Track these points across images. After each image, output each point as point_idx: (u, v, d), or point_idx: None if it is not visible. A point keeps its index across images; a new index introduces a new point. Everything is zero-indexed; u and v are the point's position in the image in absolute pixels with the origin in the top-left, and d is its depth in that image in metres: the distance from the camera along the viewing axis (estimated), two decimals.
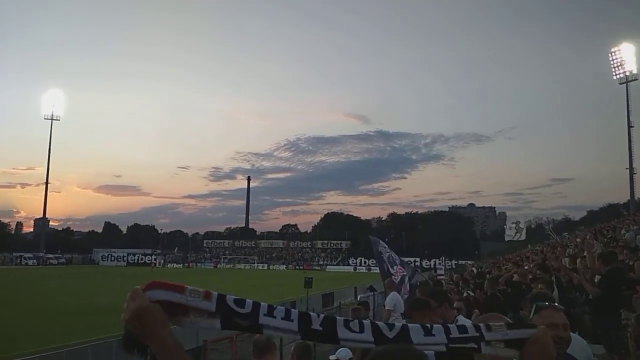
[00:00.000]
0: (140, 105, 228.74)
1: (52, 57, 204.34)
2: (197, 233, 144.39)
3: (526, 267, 12.33)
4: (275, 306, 1.31)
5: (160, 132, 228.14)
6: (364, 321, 1.35)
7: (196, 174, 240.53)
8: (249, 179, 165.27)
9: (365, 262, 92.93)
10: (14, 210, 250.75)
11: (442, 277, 34.14)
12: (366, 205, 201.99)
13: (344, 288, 36.35)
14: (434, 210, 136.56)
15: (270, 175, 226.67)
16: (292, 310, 1.32)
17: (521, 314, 4.42)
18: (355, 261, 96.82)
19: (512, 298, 7.82)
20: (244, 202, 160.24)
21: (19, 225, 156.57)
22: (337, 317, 1.34)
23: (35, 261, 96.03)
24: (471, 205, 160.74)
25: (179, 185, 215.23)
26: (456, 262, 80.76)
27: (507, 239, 76.99)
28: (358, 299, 24.86)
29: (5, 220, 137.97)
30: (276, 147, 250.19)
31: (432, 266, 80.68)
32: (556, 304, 2.74)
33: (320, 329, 1.30)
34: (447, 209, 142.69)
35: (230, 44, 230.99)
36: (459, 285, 15.19)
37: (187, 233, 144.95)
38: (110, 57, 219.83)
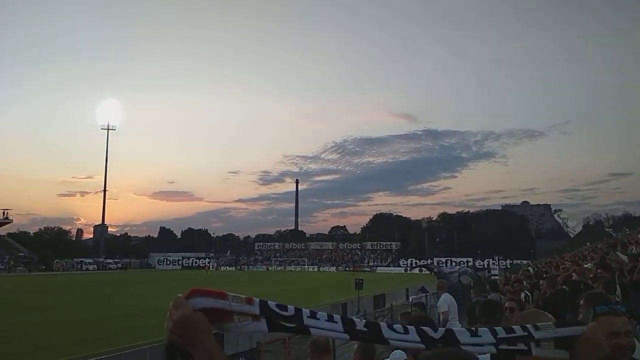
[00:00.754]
0: (190, 113, 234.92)
1: (107, 69, 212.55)
2: (249, 236, 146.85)
3: (586, 265, 11.86)
4: (316, 311, 1.28)
5: (211, 139, 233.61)
6: (407, 326, 1.31)
7: (246, 178, 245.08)
8: (297, 182, 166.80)
9: (415, 263, 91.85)
10: (75, 217, 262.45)
11: (496, 277, 33.33)
12: (416, 205, 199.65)
13: (395, 289, 36.03)
14: (487, 209, 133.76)
15: (318, 178, 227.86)
16: (335, 315, 1.29)
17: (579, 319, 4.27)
18: (405, 262, 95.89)
19: (570, 297, 7.54)
20: (293, 204, 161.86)
21: (80, 232, 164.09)
22: (380, 322, 1.31)
23: (95, 266, 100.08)
24: (525, 203, 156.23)
25: (229, 190, 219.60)
26: (511, 261, 78.66)
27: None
28: (410, 300, 24.60)
29: (67, 228, 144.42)
30: (323, 149, 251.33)
31: (485, 266, 78.95)
32: (617, 307, 2.47)
33: (365, 329, 1.27)
34: (500, 208, 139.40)
35: (274, 47, 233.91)
36: (514, 286, 14.76)
37: (238, 236, 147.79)
38: (161, 68, 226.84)
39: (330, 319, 1.26)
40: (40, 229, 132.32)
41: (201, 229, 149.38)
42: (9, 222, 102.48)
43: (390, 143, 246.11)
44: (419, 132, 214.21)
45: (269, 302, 1.25)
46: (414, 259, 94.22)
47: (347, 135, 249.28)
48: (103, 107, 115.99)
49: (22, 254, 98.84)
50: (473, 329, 1.34)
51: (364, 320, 1.30)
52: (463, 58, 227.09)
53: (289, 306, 1.25)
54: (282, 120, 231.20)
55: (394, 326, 1.30)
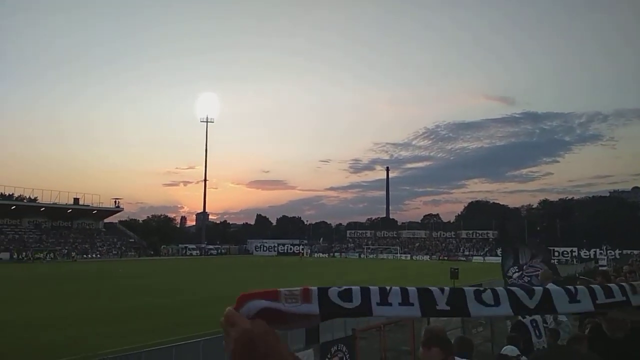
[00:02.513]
0: (283, 104, 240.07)
1: (206, 65, 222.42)
2: (340, 224, 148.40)
3: None
4: (389, 288, 1.12)
5: (302, 128, 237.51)
6: (497, 290, 1.16)
7: (337, 167, 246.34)
8: (387, 170, 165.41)
9: None
10: (179, 206, 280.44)
11: (604, 267, 31.25)
12: (514, 192, 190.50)
13: (493, 279, 34.94)
14: (593, 196, 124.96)
15: (409, 165, 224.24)
16: (410, 289, 1.13)
17: None
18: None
19: None
20: (384, 192, 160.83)
21: (183, 219, 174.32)
22: (465, 289, 1.17)
23: (198, 252, 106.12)
24: (636, 189, 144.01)
25: (321, 178, 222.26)
26: (620, 251, 73.19)
27: None
28: None
29: (172, 215, 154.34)
30: (414, 135, 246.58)
31: (591, 256, 74.11)
32: None
33: (447, 308, 1.11)
34: (607, 194, 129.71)
35: (364, 35, 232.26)
36: (628, 277, 13.77)
37: (330, 224, 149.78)
38: (255, 60, 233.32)
39: (405, 299, 1.10)
40: (148, 216, 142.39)
41: (295, 217, 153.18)
42: (120, 211, 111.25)
43: (486, 127, 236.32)
44: (517, 115, 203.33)
45: (329, 291, 1.09)
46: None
47: (439, 120, 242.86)
48: (202, 100, 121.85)
49: (133, 240, 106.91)
50: (572, 290, 1.19)
51: (447, 290, 1.14)
52: (565, 34, 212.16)
53: (353, 290, 1.10)
54: (371, 107, 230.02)
55: (483, 295, 1.14)
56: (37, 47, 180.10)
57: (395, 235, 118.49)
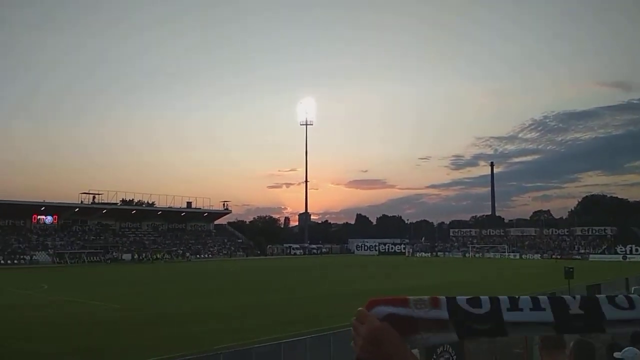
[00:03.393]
0: (379, 102, 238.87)
1: (304, 70, 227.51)
2: (443, 222, 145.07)
3: None
4: (518, 297, 1.08)
5: (400, 126, 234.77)
6: (631, 295, 1.09)
7: (437, 164, 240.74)
8: (492, 165, 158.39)
9: (637, 250, 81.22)
10: (282, 207, 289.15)
11: None
12: (634, 185, 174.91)
13: (612, 279, 32.54)
14: None
15: (515, 159, 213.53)
16: (540, 297, 1.08)
17: None
18: (623, 249, 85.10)
19: None
20: (489, 189, 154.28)
21: (287, 219, 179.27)
22: (598, 296, 1.10)
23: (301, 251, 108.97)
24: None
25: (421, 176, 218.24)
26: None
27: None
28: (632, 290, 22.01)
29: (276, 216, 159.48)
30: (520, 128, 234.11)
31: None
32: None
33: (581, 312, 1.05)
34: None
35: (460, 24, 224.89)
36: None
37: (432, 222, 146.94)
38: (351, 60, 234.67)
39: (536, 304, 1.06)
40: (254, 217, 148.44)
41: (395, 216, 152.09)
42: (229, 213, 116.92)
43: (600, 116, 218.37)
44: (636, 102, 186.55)
45: (457, 298, 1.09)
46: (634, 246, 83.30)
47: (547, 111, 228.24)
48: (302, 104, 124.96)
49: (240, 240, 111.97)
50: None
51: (579, 297, 1.08)
52: None
53: (482, 299, 1.08)
54: (472, 100, 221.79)
55: (616, 299, 1.07)
56: (165, 60, 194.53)
57: (502, 234, 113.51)
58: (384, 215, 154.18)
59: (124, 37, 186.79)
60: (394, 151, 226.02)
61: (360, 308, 1.09)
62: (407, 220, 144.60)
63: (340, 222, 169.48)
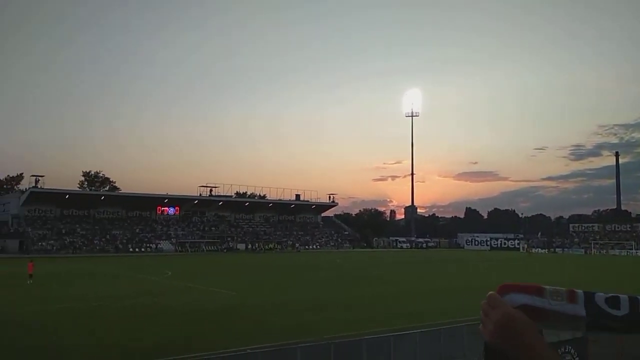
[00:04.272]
0: (489, 91, 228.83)
1: (409, 60, 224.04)
2: (561, 217, 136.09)
3: None
4: None
5: (513, 115, 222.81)
6: None
7: (554, 154, 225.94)
8: (617, 155, 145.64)
9: None
10: (388, 200, 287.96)
11: None
12: None
13: None
14: None
15: None
16: None
17: None
18: None
19: None
20: (613, 181, 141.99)
21: (392, 213, 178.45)
22: None
23: (408, 244, 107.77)
24: None
25: (536, 167, 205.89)
26: None
27: None
28: None
29: (382, 209, 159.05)
30: None
31: None
32: None
33: None
34: None
35: (581, 5, 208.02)
36: None
37: (549, 217, 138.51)
38: (456, 50, 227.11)
39: None
40: (359, 210, 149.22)
41: (508, 209, 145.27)
42: (335, 205, 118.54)
43: None
44: None
45: (596, 295, 1.03)
46: None
47: None
48: (407, 95, 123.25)
49: (347, 233, 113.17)
50: None
51: None
52: None
53: (621, 298, 1.01)
54: (594, 86, 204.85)
55: None
56: (283, 57, 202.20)
57: (628, 229, 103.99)
58: (495, 209, 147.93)
59: (250, 37, 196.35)
60: (506, 142, 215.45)
61: (491, 292, 1.05)
62: (522, 214, 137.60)
63: (448, 215, 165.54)
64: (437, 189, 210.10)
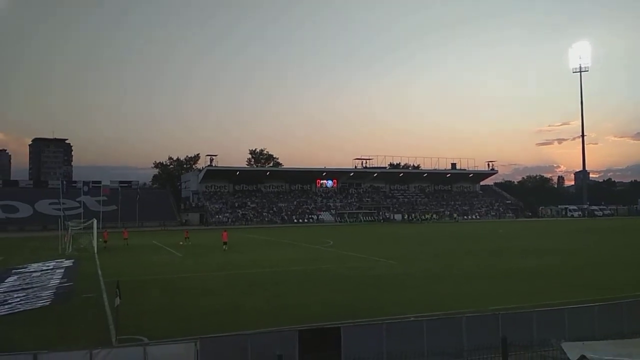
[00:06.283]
0: None
1: (576, 7, 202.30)
2: None
3: None
4: None
5: None
6: None
7: None
8: None
9: None
10: (554, 165, 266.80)
11: None
12: None
13: None
14: None
15: None
16: None
17: None
18: None
19: None
20: None
21: (560, 179, 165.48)
22: None
23: (579, 213, 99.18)
24: None
25: None
26: None
27: None
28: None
29: (548, 176, 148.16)
30: None
31: None
32: None
33: None
34: None
35: None
36: None
37: None
38: None
39: None
40: (522, 177, 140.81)
41: None
42: (495, 173, 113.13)
43: None
44: None
45: None
46: None
47: None
48: (573, 49, 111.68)
49: (509, 202, 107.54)
50: None
51: None
52: None
53: None
54: None
55: None
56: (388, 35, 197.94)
57: None
58: None
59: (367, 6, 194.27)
60: None
61: None
62: None
63: (627, 180, 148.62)
64: (612, 151, 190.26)
